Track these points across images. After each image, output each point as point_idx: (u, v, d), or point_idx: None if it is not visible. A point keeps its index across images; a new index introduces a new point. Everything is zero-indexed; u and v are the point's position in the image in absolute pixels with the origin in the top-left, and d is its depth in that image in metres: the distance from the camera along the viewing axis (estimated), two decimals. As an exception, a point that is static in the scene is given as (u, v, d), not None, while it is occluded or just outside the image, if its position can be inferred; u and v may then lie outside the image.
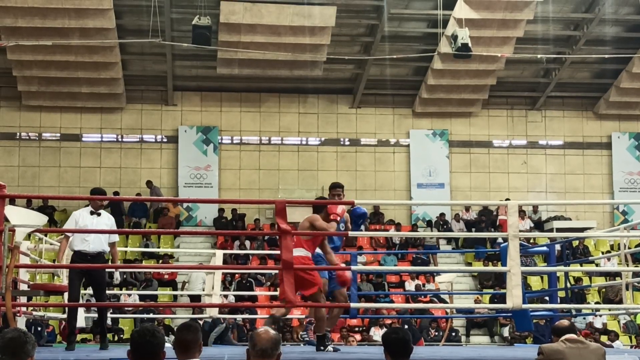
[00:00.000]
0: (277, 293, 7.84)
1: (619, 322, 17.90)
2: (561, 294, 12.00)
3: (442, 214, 21.40)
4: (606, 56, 19.91)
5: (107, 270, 9.08)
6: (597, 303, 17.42)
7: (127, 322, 16.62)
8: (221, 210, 20.96)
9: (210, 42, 17.39)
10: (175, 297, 17.92)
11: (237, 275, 17.24)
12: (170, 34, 18.74)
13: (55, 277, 9.55)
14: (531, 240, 18.58)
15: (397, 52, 19.48)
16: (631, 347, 16.28)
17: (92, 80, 20.11)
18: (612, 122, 22.52)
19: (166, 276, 18.24)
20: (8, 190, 6.77)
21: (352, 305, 8.22)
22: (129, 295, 16.69)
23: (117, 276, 9.10)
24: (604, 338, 15.63)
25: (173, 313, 15.75)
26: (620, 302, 10.53)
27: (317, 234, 7.41)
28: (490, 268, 17.71)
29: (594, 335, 14.63)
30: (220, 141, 21.58)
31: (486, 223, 21.12)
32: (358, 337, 16.47)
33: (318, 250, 7.82)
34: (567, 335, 5.38)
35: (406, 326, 16.08)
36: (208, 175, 21.36)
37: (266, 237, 19.43)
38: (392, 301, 17.75)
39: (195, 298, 16.37)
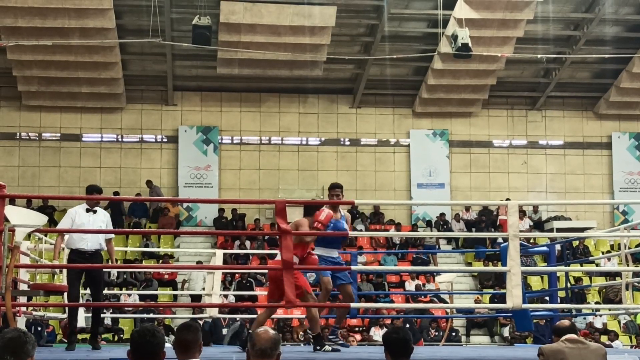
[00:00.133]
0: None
1: (619, 322, 17.90)
2: (561, 294, 12.00)
3: (442, 214, 21.40)
4: (606, 56, 19.91)
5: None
6: (597, 303, 17.42)
7: (127, 322, 16.62)
8: (221, 210, 20.96)
9: (210, 42, 17.39)
10: (175, 297, 17.92)
11: (237, 275, 17.24)
12: (170, 34, 18.74)
13: (55, 276, 9.53)
14: (531, 240, 18.57)
15: (397, 52, 19.48)
16: (631, 347, 16.28)
17: (92, 80, 20.11)
18: (612, 122, 22.52)
19: (166, 276, 18.24)
20: (8, 190, 6.77)
21: (352, 305, 8.22)
22: (129, 295, 16.70)
23: (114, 272, 9.11)
24: (604, 338, 15.64)
25: (173, 313, 15.75)
26: (621, 302, 10.52)
27: (314, 233, 7.46)
28: (490, 268, 17.71)
29: (593, 335, 14.61)
30: (220, 141, 21.58)
31: (486, 223, 21.12)
32: (358, 337, 16.46)
33: (320, 251, 7.84)
34: (567, 336, 5.38)
35: (408, 325, 16.10)
36: (208, 175, 21.37)
37: (266, 237, 19.43)
38: (392, 301, 17.74)
39: (196, 297, 16.38)
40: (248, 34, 18.54)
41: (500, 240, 17.93)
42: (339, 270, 8.03)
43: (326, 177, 21.53)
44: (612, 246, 20.07)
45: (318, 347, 7.45)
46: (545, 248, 11.72)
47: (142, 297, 16.55)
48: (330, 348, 7.54)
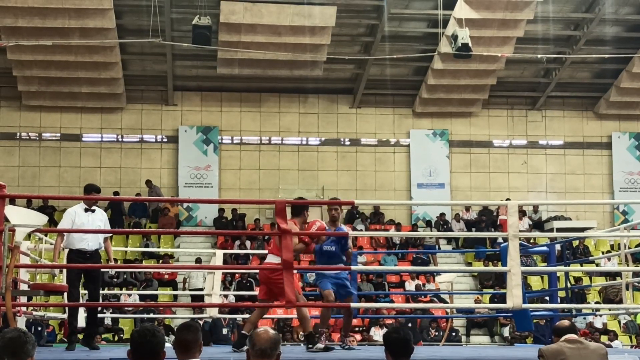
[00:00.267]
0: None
1: (619, 322, 17.90)
2: (561, 294, 12.00)
3: (442, 214, 21.40)
4: (606, 56, 19.91)
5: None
6: (597, 303, 17.42)
7: (127, 322, 16.62)
8: (221, 210, 20.96)
9: (210, 42, 17.39)
10: (175, 297, 17.92)
11: (237, 275, 17.24)
12: (171, 34, 18.74)
13: (55, 277, 9.54)
14: (531, 240, 18.57)
15: (397, 52, 19.49)
16: (631, 347, 16.28)
17: (92, 80, 20.11)
18: (612, 122, 22.52)
19: (166, 276, 18.24)
20: (8, 190, 6.77)
21: (352, 305, 8.22)
22: (129, 295, 16.70)
23: (112, 270, 9.14)
24: (604, 338, 15.64)
25: (173, 313, 15.75)
26: (621, 302, 10.52)
27: (314, 233, 7.47)
28: (490, 268, 17.72)
29: (593, 335, 14.61)
30: (220, 141, 21.58)
31: (486, 223, 21.12)
32: (358, 337, 16.46)
33: (329, 248, 7.86)
34: (567, 336, 5.38)
35: (410, 324, 16.12)
36: (208, 175, 21.37)
37: (266, 237, 19.42)
38: (392, 301, 17.74)
39: (196, 297, 16.38)
40: (248, 34, 18.54)
41: (500, 240, 17.93)
42: (345, 280, 8.01)
43: (326, 177, 21.58)
44: (612, 246, 20.08)
45: (310, 346, 7.46)
46: (545, 248, 11.73)
47: (142, 297, 16.56)
48: (322, 346, 7.53)
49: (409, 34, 20.52)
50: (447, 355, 7.79)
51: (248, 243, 19.46)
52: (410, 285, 18.15)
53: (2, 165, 20.90)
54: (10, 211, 7.06)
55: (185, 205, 21.29)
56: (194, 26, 16.90)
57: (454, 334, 17.07)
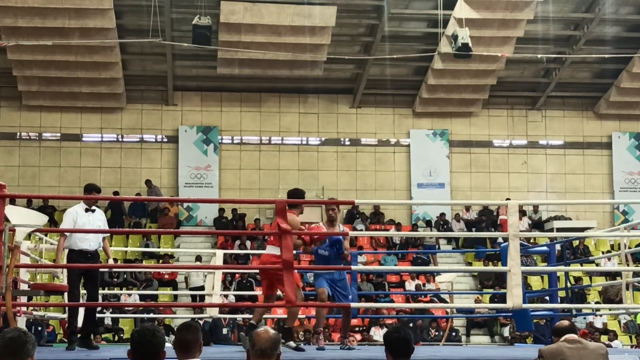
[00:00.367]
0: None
1: (619, 322, 17.90)
2: (561, 293, 12.00)
3: (443, 214, 21.40)
4: (606, 56, 19.91)
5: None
6: (597, 303, 17.41)
7: (127, 322, 16.62)
8: (221, 210, 20.97)
9: (210, 42, 17.39)
10: (175, 297, 17.92)
11: (237, 275, 17.24)
12: (171, 33, 18.74)
13: (55, 278, 9.55)
14: (531, 240, 18.57)
15: (397, 52, 19.49)
16: (631, 347, 16.27)
17: (92, 80, 20.11)
18: (612, 122, 22.52)
19: (166, 276, 18.24)
20: (8, 190, 6.78)
21: (352, 305, 8.23)
22: (129, 295, 16.70)
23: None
24: (604, 338, 15.64)
25: (173, 313, 15.75)
26: (621, 302, 10.52)
27: (312, 233, 7.49)
28: (491, 268, 17.71)
29: (592, 335, 14.62)
30: (220, 141, 21.58)
31: (486, 223, 21.12)
32: (358, 337, 16.46)
33: (323, 252, 7.86)
34: (567, 336, 5.38)
35: (410, 324, 16.12)
36: (208, 175, 21.37)
37: (266, 237, 19.40)
38: (392, 301, 17.74)
39: (196, 297, 16.37)
40: (248, 34, 18.54)
41: (500, 240, 17.93)
42: (339, 288, 8.00)
43: (326, 177, 21.58)
44: (612, 246, 20.08)
45: (283, 341, 7.44)
46: (545, 248, 11.73)
47: (142, 297, 16.56)
48: (294, 344, 7.52)
49: (409, 34, 20.52)
50: (447, 355, 7.80)
51: (248, 243, 19.46)
52: (410, 285, 18.15)
53: (2, 165, 20.90)
54: (11, 211, 7.07)
55: (185, 205, 21.29)
56: (194, 26, 16.90)
57: (454, 334, 17.07)
